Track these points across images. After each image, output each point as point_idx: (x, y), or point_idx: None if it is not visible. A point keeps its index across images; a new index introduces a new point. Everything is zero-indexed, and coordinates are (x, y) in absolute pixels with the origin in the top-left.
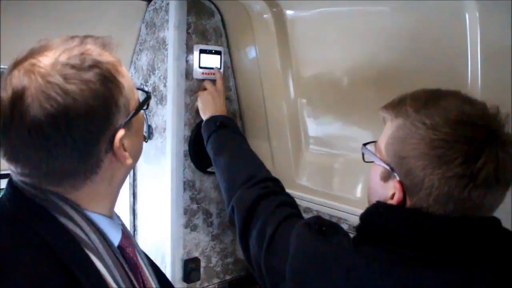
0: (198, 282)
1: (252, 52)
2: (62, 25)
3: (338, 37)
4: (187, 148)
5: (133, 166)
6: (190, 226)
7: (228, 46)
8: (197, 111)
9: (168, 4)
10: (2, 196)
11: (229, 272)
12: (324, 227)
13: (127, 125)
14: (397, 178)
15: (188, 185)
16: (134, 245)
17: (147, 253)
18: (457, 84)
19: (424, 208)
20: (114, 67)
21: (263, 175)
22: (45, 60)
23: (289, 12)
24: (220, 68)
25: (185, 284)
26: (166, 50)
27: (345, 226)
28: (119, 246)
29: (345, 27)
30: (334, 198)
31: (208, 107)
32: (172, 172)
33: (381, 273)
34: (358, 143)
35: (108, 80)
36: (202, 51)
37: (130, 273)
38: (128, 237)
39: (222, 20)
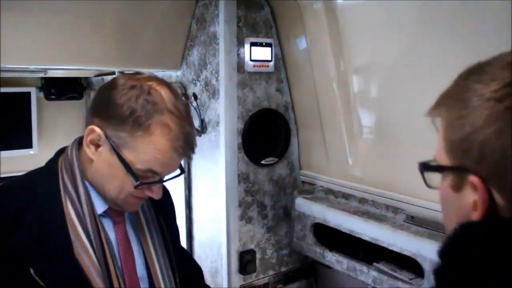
0: (254, 274)
1: (302, 43)
2: (114, 25)
3: (392, 25)
4: (240, 141)
5: None
6: (245, 218)
7: (279, 38)
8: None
9: None
10: None
11: (285, 263)
12: None
13: None
14: (470, 170)
15: (242, 178)
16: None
17: (203, 245)
18: None
19: None
20: None
21: None
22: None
23: (339, 1)
24: (271, 60)
25: (241, 276)
26: (217, 44)
27: (401, 217)
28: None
29: (399, 13)
30: (390, 188)
31: None
32: (226, 165)
33: None
34: (411, 131)
35: None
36: (252, 44)
37: None
38: None
39: (272, 12)
